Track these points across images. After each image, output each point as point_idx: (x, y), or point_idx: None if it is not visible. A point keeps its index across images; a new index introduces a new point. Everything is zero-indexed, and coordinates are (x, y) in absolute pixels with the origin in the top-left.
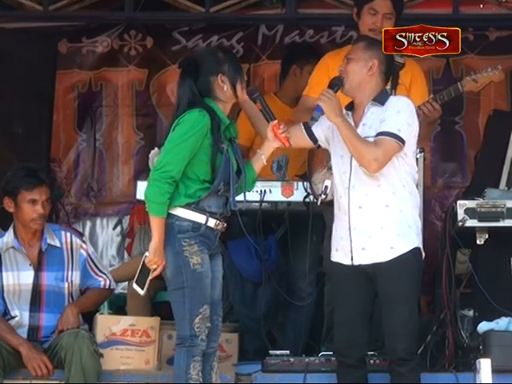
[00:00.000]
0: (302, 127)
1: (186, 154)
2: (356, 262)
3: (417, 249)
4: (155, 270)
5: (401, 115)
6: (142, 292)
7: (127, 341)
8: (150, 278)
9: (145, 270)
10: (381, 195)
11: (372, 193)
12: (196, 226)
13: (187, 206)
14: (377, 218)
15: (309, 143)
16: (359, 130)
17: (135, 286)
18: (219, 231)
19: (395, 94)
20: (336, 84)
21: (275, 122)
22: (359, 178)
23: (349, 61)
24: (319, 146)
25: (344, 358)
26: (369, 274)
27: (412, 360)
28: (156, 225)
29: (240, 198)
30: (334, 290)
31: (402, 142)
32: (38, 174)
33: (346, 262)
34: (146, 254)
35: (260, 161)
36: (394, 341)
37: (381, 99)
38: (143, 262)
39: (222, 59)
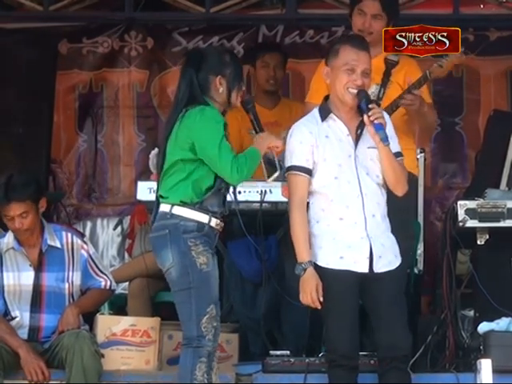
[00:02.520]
0: (305, 175)
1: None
2: (376, 270)
3: None
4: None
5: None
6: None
7: (128, 341)
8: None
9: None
10: (384, 205)
11: (381, 202)
12: (200, 226)
13: (192, 206)
14: (384, 227)
15: (308, 179)
16: (365, 142)
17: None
18: (218, 231)
19: (384, 93)
20: (369, 98)
21: (264, 134)
22: (369, 187)
23: (367, 76)
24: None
25: (349, 361)
26: (368, 279)
27: (409, 358)
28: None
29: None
30: (333, 295)
31: None
32: (8, 191)
33: (359, 269)
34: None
35: None
36: (402, 339)
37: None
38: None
39: (226, 62)
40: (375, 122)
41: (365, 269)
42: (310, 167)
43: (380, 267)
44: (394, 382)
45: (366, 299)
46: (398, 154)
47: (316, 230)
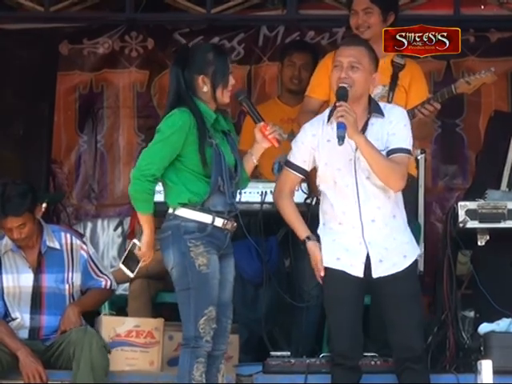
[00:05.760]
0: (296, 174)
1: (166, 152)
2: (375, 275)
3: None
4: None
5: (407, 128)
6: (131, 275)
7: (132, 342)
8: (139, 265)
9: (133, 256)
10: (390, 207)
11: (383, 205)
12: (202, 226)
13: (192, 207)
14: (389, 229)
15: (300, 178)
16: None
17: (122, 267)
18: (229, 231)
19: (393, 96)
20: (345, 95)
21: (262, 123)
22: (368, 191)
23: (355, 69)
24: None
25: (347, 361)
26: (374, 282)
27: (425, 357)
28: (144, 221)
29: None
30: (330, 294)
31: (411, 155)
32: (4, 204)
33: (355, 273)
34: (134, 241)
35: (250, 161)
36: (413, 340)
37: (377, 109)
38: (130, 247)
39: (209, 61)
40: (337, 120)
41: (360, 273)
42: (306, 168)
43: (382, 271)
44: (407, 383)
45: (377, 301)
46: (397, 150)
47: (321, 231)
